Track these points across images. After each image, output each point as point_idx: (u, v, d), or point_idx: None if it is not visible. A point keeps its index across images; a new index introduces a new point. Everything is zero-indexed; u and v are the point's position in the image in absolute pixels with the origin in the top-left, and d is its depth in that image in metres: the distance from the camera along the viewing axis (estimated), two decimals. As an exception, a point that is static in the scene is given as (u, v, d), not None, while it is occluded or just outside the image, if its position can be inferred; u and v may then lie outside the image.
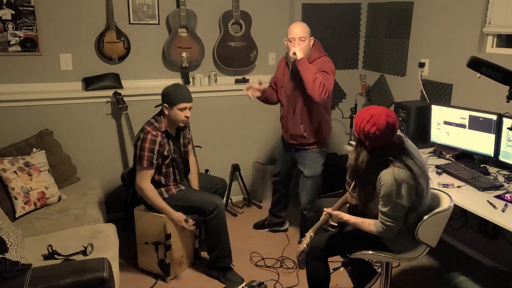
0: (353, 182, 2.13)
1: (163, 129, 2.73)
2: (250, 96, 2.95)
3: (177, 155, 2.85)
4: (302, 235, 3.15)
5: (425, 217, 2.04)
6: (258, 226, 3.59)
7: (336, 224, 2.17)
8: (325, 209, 2.16)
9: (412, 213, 2.05)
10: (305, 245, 2.17)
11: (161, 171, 2.78)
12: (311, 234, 2.20)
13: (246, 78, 3.87)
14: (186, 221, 2.75)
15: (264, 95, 3.01)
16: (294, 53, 2.72)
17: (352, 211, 2.28)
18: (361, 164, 2.04)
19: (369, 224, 2.11)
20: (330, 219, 2.17)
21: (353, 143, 3.30)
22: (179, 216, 2.75)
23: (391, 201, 1.99)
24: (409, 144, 2.10)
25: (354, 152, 2.08)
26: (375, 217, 2.11)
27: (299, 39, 2.76)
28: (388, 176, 1.97)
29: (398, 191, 1.97)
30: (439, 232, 2.16)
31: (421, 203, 2.06)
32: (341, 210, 2.24)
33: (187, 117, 2.73)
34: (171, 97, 2.68)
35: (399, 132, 2.07)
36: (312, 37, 2.88)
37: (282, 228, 3.56)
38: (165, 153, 2.75)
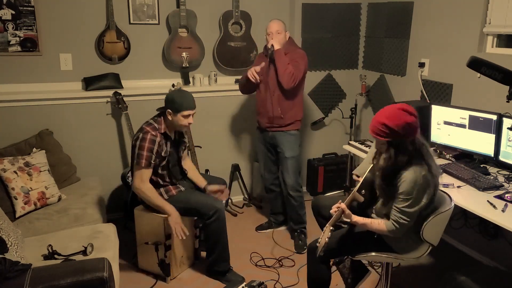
0: (384, 186, 2.11)
1: (162, 131, 2.73)
2: (256, 78, 3.12)
3: (172, 158, 2.85)
4: (295, 221, 3.30)
5: (431, 218, 2.05)
6: (262, 228, 3.58)
7: (348, 220, 2.13)
8: (341, 203, 2.11)
9: (421, 213, 2.06)
10: (326, 239, 2.09)
11: (157, 172, 2.77)
12: (331, 227, 2.12)
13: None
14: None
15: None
16: (272, 45, 3.06)
17: (355, 208, 2.27)
18: (394, 162, 2.03)
19: (378, 224, 2.10)
20: (343, 215, 2.11)
21: (358, 145, 3.34)
22: (178, 216, 2.72)
23: (411, 198, 2.00)
24: (427, 146, 2.12)
25: (386, 155, 2.06)
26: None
27: (276, 32, 3.08)
28: (410, 173, 2.00)
29: (419, 188, 1.99)
30: (441, 231, 2.17)
31: (432, 203, 2.08)
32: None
33: (189, 123, 2.74)
34: (176, 104, 2.68)
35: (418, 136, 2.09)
36: (288, 32, 3.20)
37: (287, 226, 3.54)
38: (163, 154, 2.75)
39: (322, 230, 2.14)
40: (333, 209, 2.15)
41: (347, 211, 2.10)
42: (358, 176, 2.41)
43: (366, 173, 2.27)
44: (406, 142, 2.01)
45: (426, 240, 2.09)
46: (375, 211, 2.24)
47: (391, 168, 2.04)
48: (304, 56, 3.15)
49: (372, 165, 2.27)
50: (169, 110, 2.70)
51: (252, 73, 3.11)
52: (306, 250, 3.11)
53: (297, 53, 3.15)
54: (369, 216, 2.22)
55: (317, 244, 2.09)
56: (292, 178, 3.24)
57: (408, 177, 1.99)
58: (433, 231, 2.10)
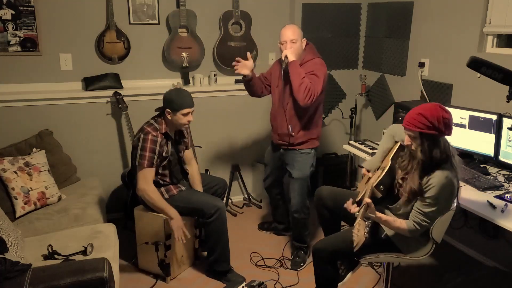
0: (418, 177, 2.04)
1: (163, 131, 2.73)
2: (239, 70, 2.87)
3: (173, 158, 2.85)
4: (296, 239, 3.14)
5: (439, 217, 2.05)
6: (263, 228, 3.55)
7: (372, 216, 2.05)
8: (366, 199, 2.02)
9: None
10: (365, 234, 1.94)
11: (158, 172, 2.77)
12: (364, 219, 2.00)
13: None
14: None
15: (253, 80, 2.96)
16: (286, 56, 2.75)
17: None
18: (429, 156, 1.98)
19: (400, 223, 2.08)
20: (368, 210, 2.01)
21: (358, 145, 3.30)
22: (180, 220, 2.73)
23: (438, 203, 1.99)
24: (454, 151, 2.08)
25: (420, 146, 1.99)
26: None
27: (290, 42, 2.79)
28: (442, 178, 1.96)
29: (448, 195, 1.99)
30: (445, 229, 2.18)
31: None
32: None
33: (189, 121, 2.74)
34: (174, 102, 2.68)
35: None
36: (305, 39, 2.89)
37: (288, 234, 3.47)
38: (164, 154, 2.75)
39: (347, 225, 2.05)
40: (354, 207, 2.09)
41: (372, 206, 2.01)
42: (368, 171, 2.36)
43: (386, 170, 2.18)
44: (439, 138, 1.98)
45: (433, 237, 2.09)
46: (392, 209, 2.20)
47: (429, 162, 1.99)
48: (322, 66, 2.84)
49: (383, 163, 2.23)
50: (168, 110, 2.70)
51: (238, 62, 2.83)
52: (302, 267, 3.02)
53: (314, 63, 2.84)
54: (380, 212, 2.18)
55: (354, 239, 1.92)
56: (297, 199, 2.99)
57: (438, 182, 1.96)
58: (440, 229, 2.12)
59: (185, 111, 2.70)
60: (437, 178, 1.97)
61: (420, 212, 2.03)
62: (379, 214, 2.08)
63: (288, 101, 2.89)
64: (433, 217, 2.02)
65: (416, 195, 2.04)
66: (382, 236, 2.19)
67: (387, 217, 2.11)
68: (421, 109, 1.99)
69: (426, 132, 1.96)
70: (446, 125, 1.97)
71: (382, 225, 2.18)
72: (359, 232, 1.91)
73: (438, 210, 2.00)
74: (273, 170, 3.25)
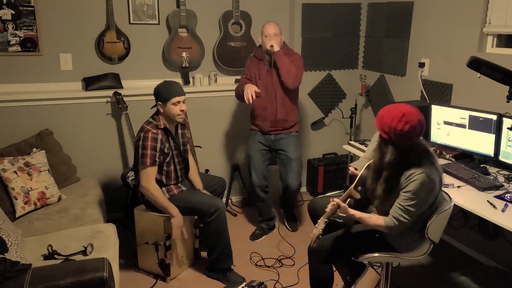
0: (375, 179, 2.11)
1: (162, 126, 2.73)
2: (251, 99, 3.12)
3: (177, 153, 2.86)
4: (284, 205, 3.51)
5: (434, 216, 2.06)
6: (256, 237, 3.46)
7: (344, 215, 2.11)
8: (334, 199, 2.11)
9: (424, 212, 2.07)
10: (320, 231, 2.09)
11: (162, 170, 2.78)
12: (325, 220, 2.12)
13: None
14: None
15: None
16: (272, 46, 3.06)
17: (353, 207, 2.26)
18: (387, 162, 2.03)
19: (376, 219, 2.09)
20: (338, 210, 2.10)
21: (358, 145, 3.34)
22: (181, 219, 2.74)
23: (417, 198, 1.99)
24: (431, 150, 2.12)
25: (378, 151, 2.07)
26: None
27: (274, 35, 3.11)
28: (421, 174, 1.98)
29: (427, 190, 2.00)
30: (443, 229, 2.18)
31: (434, 205, 2.09)
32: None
33: (182, 110, 2.74)
34: (162, 93, 2.70)
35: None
36: (283, 36, 3.23)
37: (275, 230, 3.55)
38: (166, 150, 2.75)
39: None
40: (329, 206, 2.14)
41: (342, 205, 2.08)
42: (356, 169, 2.39)
43: (363, 169, 2.26)
44: (394, 145, 2.00)
45: (430, 238, 2.09)
46: (376, 209, 2.22)
47: (386, 166, 2.04)
48: (301, 58, 3.26)
49: (369, 161, 2.26)
50: (159, 103, 2.72)
51: (249, 97, 3.08)
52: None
53: (294, 55, 3.24)
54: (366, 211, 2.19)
55: (311, 236, 2.09)
56: (297, 179, 3.31)
57: (418, 177, 1.98)
58: (436, 229, 2.12)
59: (175, 100, 2.69)
60: (416, 173, 1.99)
61: (400, 207, 2.03)
62: (352, 212, 2.11)
63: (277, 89, 3.18)
64: (411, 213, 2.01)
65: (391, 189, 2.06)
66: (377, 235, 2.20)
67: (362, 214, 2.12)
68: (384, 113, 2.01)
69: (383, 137, 2.02)
70: (398, 136, 1.97)
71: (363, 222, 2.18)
72: (316, 230, 2.08)
73: (417, 204, 2.00)
74: (261, 159, 3.34)
